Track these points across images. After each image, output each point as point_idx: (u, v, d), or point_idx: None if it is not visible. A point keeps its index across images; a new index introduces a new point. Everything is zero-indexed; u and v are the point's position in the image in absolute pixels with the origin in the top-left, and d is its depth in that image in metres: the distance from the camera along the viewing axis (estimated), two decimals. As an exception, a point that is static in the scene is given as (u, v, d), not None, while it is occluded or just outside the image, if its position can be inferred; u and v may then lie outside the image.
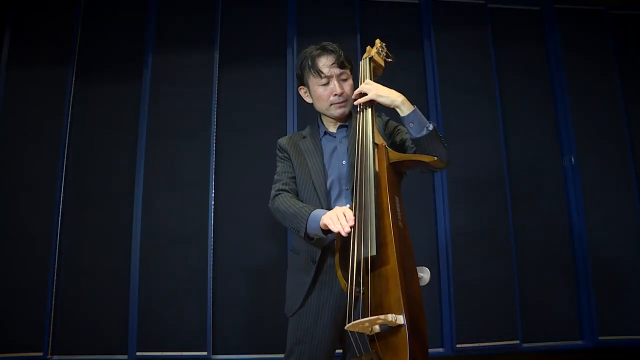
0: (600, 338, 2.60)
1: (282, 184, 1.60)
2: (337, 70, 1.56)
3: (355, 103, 1.55)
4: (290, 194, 1.57)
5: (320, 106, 1.63)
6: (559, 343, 2.64)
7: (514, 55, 2.98)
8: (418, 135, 1.43)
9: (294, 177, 1.61)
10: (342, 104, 1.59)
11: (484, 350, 2.55)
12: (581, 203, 2.77)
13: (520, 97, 2.93)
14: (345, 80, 1.59)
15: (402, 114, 1.46)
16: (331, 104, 1.58)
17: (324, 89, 1.58)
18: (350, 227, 1.29)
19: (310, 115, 1.72)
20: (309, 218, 1.41)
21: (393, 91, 1.49)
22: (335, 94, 1.56)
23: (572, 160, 2.83)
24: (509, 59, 2.97)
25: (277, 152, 1.69)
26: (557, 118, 2.93)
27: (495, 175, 2.75)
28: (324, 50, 1.57)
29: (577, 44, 2.99)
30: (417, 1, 2.98)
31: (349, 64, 1.59)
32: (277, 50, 2.81)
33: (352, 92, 1.59)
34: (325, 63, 1.55)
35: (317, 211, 1.42)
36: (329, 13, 2.85)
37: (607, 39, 3.01)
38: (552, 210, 2.80)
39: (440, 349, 2.55)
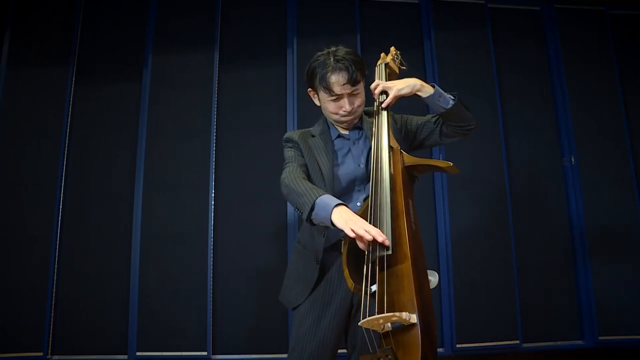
0: (600, 338, 2.60)
1: (297, 165, 1.52)
2: (349, 89, 1.48)
3: (376, 92, 1.52)
4: (301, 170, 1.50)
5: (326, 115, 1.60)
6: (559, 343, 2.64)
7: (514, 55, 2.98)
8: (448, 107, 1.47)
9: (305, 165, 1.55)
10: (350, 117, 1.54)
11: (484, 350, 2.55)
12: (581, 203, 2.77)
13: (520, 97, 2.93)
14: (356, 94, 1.52)
15: (425, 96, 1.48)
16: (339, 117, 1.54)
17: (334, 104, 1.52)
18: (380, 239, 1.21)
19: (310, 116, 1.72)
20: (316, 204, 1.30)
21: (407, 80, 1.51)
22: (344, 110, 1.51)
23: (572, 160, 2.83)
24: (509, 59, 2.97)
25: (285, 143, 1.62)
26: (557, 118, 2.93)
27: (496, 175, 2.75)
28: (336, 68, 1.46)
29: (577, 44, 2.99)
30: (417, 1, 2.98)
31: (362, 76, 1.51)
32: (277, 50, 2.81)
33: (362, 105, 1.55)
34: (337, 81, 1.47)
35: (328, 198, 1.30)
36: (329, 13, 2.84)
37: (607, 39, 3.01)
38: (552, 210, 2.80)
39: (440, 349, 2.54)
